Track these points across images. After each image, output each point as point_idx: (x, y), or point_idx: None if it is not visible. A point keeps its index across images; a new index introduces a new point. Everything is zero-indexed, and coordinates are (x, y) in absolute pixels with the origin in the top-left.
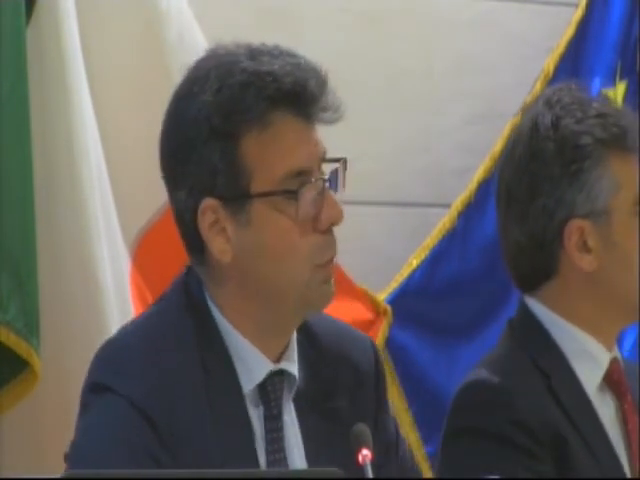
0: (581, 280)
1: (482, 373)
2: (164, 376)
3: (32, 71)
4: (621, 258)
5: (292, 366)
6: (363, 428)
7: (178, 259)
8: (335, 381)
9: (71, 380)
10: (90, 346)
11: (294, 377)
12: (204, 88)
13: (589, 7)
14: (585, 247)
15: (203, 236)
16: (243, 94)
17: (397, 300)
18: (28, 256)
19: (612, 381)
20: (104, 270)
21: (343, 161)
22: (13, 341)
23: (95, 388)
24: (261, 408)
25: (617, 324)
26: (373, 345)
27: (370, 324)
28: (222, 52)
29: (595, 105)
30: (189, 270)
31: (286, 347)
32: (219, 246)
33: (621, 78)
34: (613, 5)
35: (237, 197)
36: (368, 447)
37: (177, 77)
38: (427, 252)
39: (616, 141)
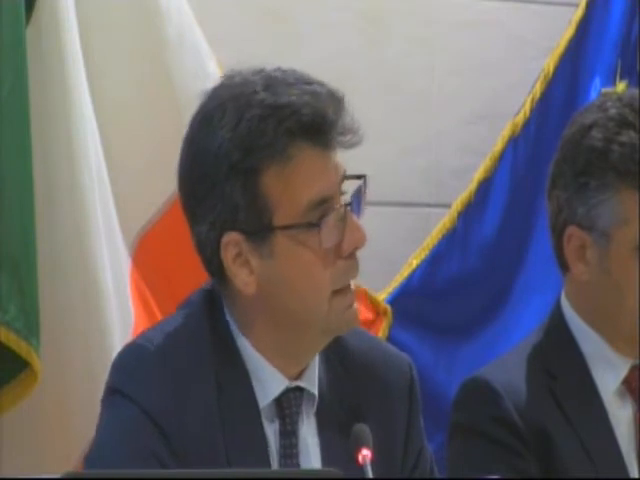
0: (583, 284)
1: (481, 370)
2: (177, 386)
3: (32, 71)
4: (612, 287)
5: (311, 384)
6: (363, 428)
7: (178, 259)
8: (361, 399)
9: (71, 380)
10: (90, 346)
11: (313, 395)
12: (222, 122)
13: (589, 7)
14: (583, 257)
15: (227, 269)
16: (262, 129)
17: (397, 300)
18: (28, 256)
19: (631, 387)
20: (104, 270)
21: (364, 179)
22: (13, 341)
23: (111, 392)
24: (276, 423)
25: (620, 336)
26: (410, 366)
27: (370, 324)
28: (237, 81)
29: (634, 132)
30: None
31: (307, 365)
32: (243, 278)
33: (621, 78)
34: (613, 5)
35: (259, 231)
36: (368, 447)
37: (177, 77)
38: (427, 252)
39: (632, 177)
